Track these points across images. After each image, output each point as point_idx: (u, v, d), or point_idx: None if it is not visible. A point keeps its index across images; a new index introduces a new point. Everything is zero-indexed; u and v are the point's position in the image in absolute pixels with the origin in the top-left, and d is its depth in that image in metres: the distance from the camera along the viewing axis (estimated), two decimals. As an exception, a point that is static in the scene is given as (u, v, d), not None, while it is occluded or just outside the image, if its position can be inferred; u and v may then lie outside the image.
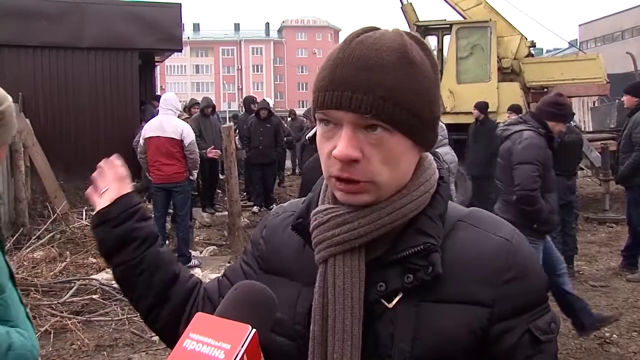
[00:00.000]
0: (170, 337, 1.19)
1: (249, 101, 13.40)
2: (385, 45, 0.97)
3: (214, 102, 11.78)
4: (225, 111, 44.13)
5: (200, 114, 11.04)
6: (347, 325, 0.99)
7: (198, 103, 11.60)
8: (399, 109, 0.96)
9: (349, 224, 1.01)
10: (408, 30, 1.14)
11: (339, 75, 0.97)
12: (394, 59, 0.97)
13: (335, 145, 0.97)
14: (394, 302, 1.00)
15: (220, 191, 11.94)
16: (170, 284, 1.25)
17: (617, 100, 13.04)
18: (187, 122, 8.47)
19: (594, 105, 17.08)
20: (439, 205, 1.05)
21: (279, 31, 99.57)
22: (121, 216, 1.25)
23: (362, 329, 1.00)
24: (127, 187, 1.31)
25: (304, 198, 1.17)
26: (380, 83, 0.95)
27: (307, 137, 7.52)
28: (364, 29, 1.02)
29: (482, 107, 10.05)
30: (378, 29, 1.03)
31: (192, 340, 0.86)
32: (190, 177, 7.88)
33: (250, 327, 0.87)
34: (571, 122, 8.86)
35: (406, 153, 1.01)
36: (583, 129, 13.72)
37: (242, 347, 0.85)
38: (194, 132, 9.47)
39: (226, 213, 9.55)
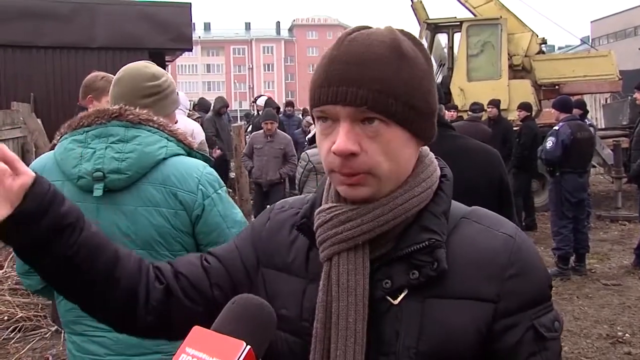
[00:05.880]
0: (128, 325, 1.14)
1: (256, 100, 13.64)
2: (377, 40, 0.99)
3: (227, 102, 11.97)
4: (237, 110, 44.18)
5: (215, 113, 11.14)
6: (351, 322, 1.00)
7: (227, 105, 11.79)
8: (394, 100, 0.97)
9: (352, 222, 1.01)
10: (410, 28, 1.15)
11: (333, 71, 0.98)
12: (387, 52, 0.98)
13: (334, 141, 0.98)
14: (400, 298, 1.01)
15: (230, 190, 11.97)
16: (115, 263, 1.10)
17: (629, 97, 12.95)
18: (199, 122, 8.53)
19: (606, 102, 17.00)
20: (442, 202, 1.06)
21: (290, 30, 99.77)
22: (43, 207, 0.99)
23: (366, 326, 1.00)
24: (28, 172, 0.99)
25: (308, 195, 1.18)
26: (373, 76, 0.97)
27: (307, 139, 7.58)
28: (357, 28, 1.04)
29: (498, 104, 9.92)
30: (371, 27, 1.04)
31: (187, 354, 0.88)
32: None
33: (244, 344, 0.87)
34: (585, 120, 8.82)
35: (404, 145, 1.01)
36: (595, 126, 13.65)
37: None
38: (211, 132, 9.55)
39: (237, 212, 9.56)
